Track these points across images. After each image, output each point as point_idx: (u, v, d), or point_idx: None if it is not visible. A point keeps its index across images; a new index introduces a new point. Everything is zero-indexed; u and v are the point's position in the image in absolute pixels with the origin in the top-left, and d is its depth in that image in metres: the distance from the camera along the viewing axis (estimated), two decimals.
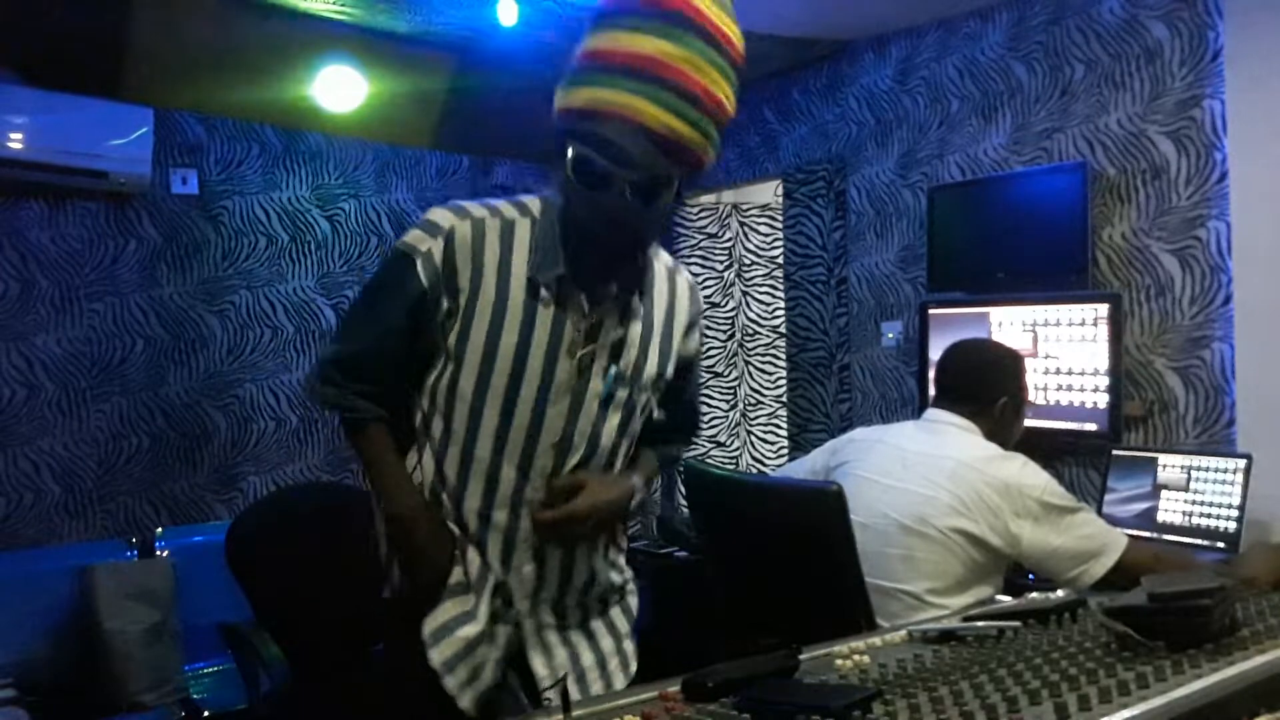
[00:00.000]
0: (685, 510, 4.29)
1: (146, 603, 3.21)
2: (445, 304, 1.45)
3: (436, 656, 1.46)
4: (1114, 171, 3.02)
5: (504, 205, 1.50)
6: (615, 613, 1.63)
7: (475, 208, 1.49)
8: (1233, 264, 2.73)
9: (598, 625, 1.59)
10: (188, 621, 3.28)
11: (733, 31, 1.36)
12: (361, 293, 1.58)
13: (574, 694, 1.48)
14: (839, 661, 1.19)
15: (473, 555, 1.48)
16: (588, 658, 1.55)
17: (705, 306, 1.68)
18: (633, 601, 1.68)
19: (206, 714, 3.15)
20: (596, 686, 1.54)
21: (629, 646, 1.64)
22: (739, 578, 2.36)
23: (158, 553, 3.46)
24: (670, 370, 1.59)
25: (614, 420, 1.51)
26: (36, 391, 3.50)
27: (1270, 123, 2.63)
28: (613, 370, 1.49)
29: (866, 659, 1.20)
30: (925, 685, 1.05)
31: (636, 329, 1.52)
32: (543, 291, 1.45)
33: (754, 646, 1.15)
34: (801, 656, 1.16)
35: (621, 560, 1.65)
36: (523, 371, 1.44)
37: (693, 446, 1.79)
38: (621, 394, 1.50)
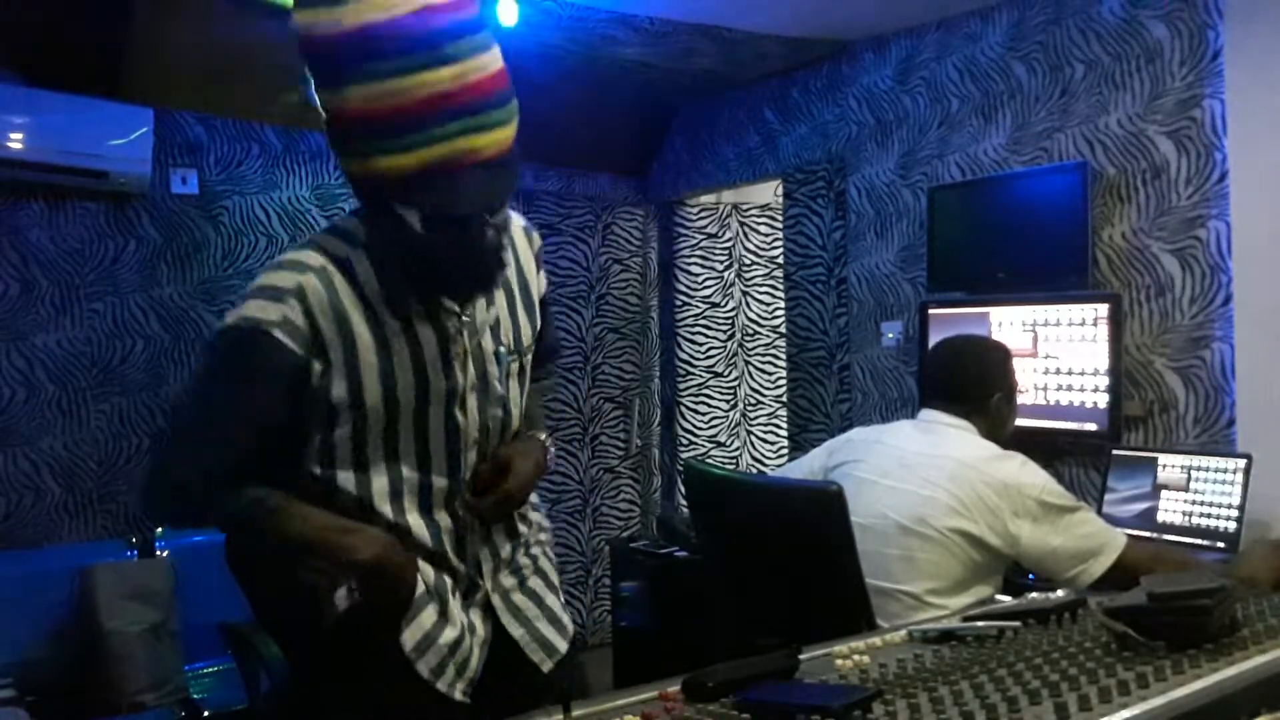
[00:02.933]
0: (685, 510, 4.29)
1: (146, 603, 3.21)
2: (318, 366, 1.35)
3: (424, 667, 1.45)
4: (1114, 171, 3.02)
5: (328, 240, 1.41)
6: (540, 557, 1.64)
7: (307, 255, 1.37)
8: (1233, 264, 2.73)
9: (544, 565, 1.64)
10: (188, 621, 3.27)
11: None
12: (208, 386, 1.42)
13: (554, 636, 1.58)
14: (839, 661, 1.19)
15: (424, 566, 1.46)
16: (550, 600, 1.61)
17: (542, 244, 1.69)
18: (547, 525, 1.70)
19: (206, 714, 3.15)
20: (567, 619, 1.62)
21: (557, 580, 1.68)
22: (739, 578, 2.36)
23: (158, 553, 3.46)
24: (538, 321, 1.60)
25: (515, 388, 1.54)
26: (36, 391, 3.50)
27: (1270, 123, 2.63)
28: (500, 350, 1.50)
29: (866, 659, 1.20)
30: (925, 685, 1.05)
31: (502, 300, 1.52)
32: (411, 313, 1.40)
33: (754, 646, 1.15)
34: (801, 656, 1.16)
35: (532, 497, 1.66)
36: (427, 394, 1.42)
37: (556, 373, 1.84)
38: (513, 366, 1.53)
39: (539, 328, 1.60)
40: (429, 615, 1.46)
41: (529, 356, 1.58)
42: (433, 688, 1.46)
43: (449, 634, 1.47)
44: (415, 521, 1.46)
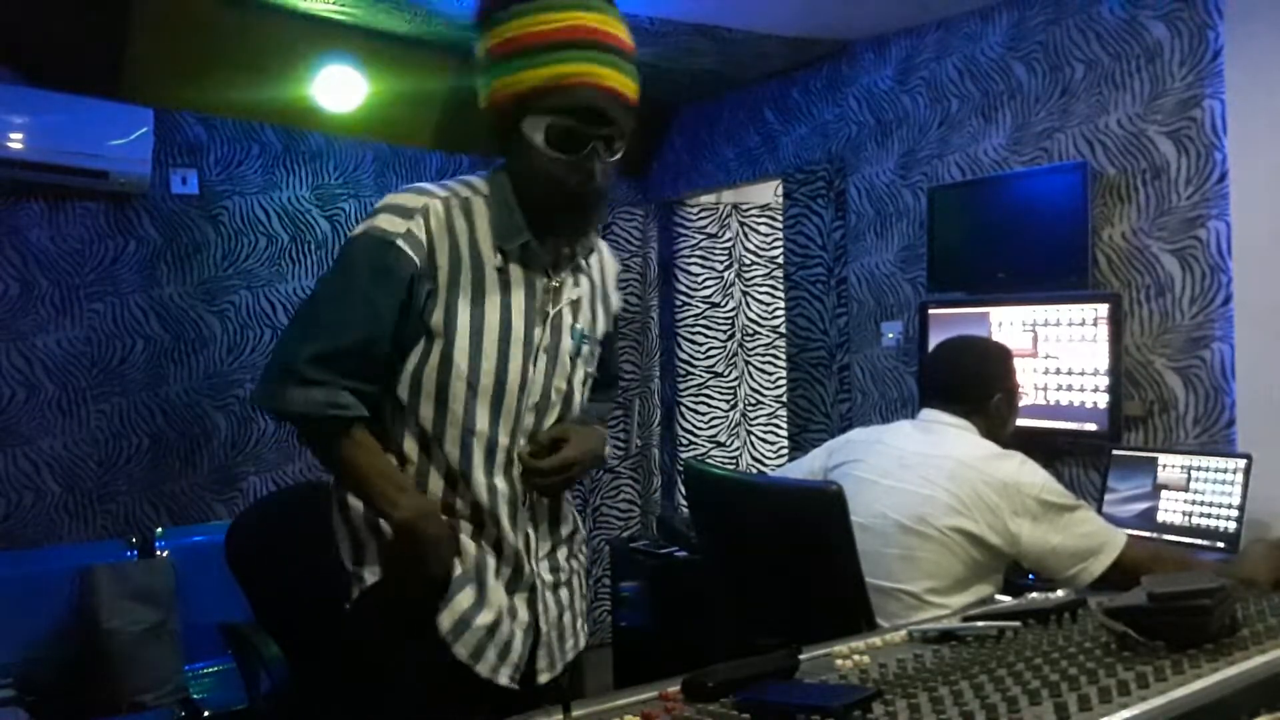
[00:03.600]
0: (685, 510, 4.29)
1: (146, 603, 3.21)
2: (428, 284, 1.46)
3: (463, 650, 1.47)
4: (1114, 171, 3.02)
5: (454, 184, 1.55)
6: (581, 571, 1.70)
7: (433, 188, 1.52)
8: (1233, 264, 2.73)
9: (575, 582, 1.67)
10: (188, 621, 3.28)
11: None
12: (330, 284, 1.51)
13: (558, 652, 1.58)
14: (839, 661, 1.19)
15: (467, 542, 1.49)
16: (567, 616, 1.62)
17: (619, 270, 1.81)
18: (584, 543, 1.75)
19: (206, 714, 3.15)
20: (570, 643, 1.63)
21: (582, 606, 1.71)
22: (739, 578, 2.36)
23: (158, 553, 3.46)
24: (610, 327, 1.71)
25: (581, 374, 1.61)
26: (36, 391, 3.50)
27: (1270, 123, 2.63)
28: (577, 327, 1.59)
29: (866, 659, 1.20)
30: (925, 685, 1.05)
31: (586, 288, 1.63)
32: (512, 259, 1.51)
33: (754, 646, 1.15)
34: (801, 656, 1.16)
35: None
36: (509, 337, 1.50)
37: (614, 405, 1.92)
38: (586, 349, 1.61)
39: (607, 338, 1.71)
40: (466, 596, 1.48)
41: (597, 350, 1.66)
42: (474, 672, 1.47)
43: (486, 617, 1.48)
44: (478, 478, 1.49)
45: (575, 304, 1.60)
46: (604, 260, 1.71)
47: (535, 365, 1.53)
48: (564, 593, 1.62)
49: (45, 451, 3.51)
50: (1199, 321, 2.83)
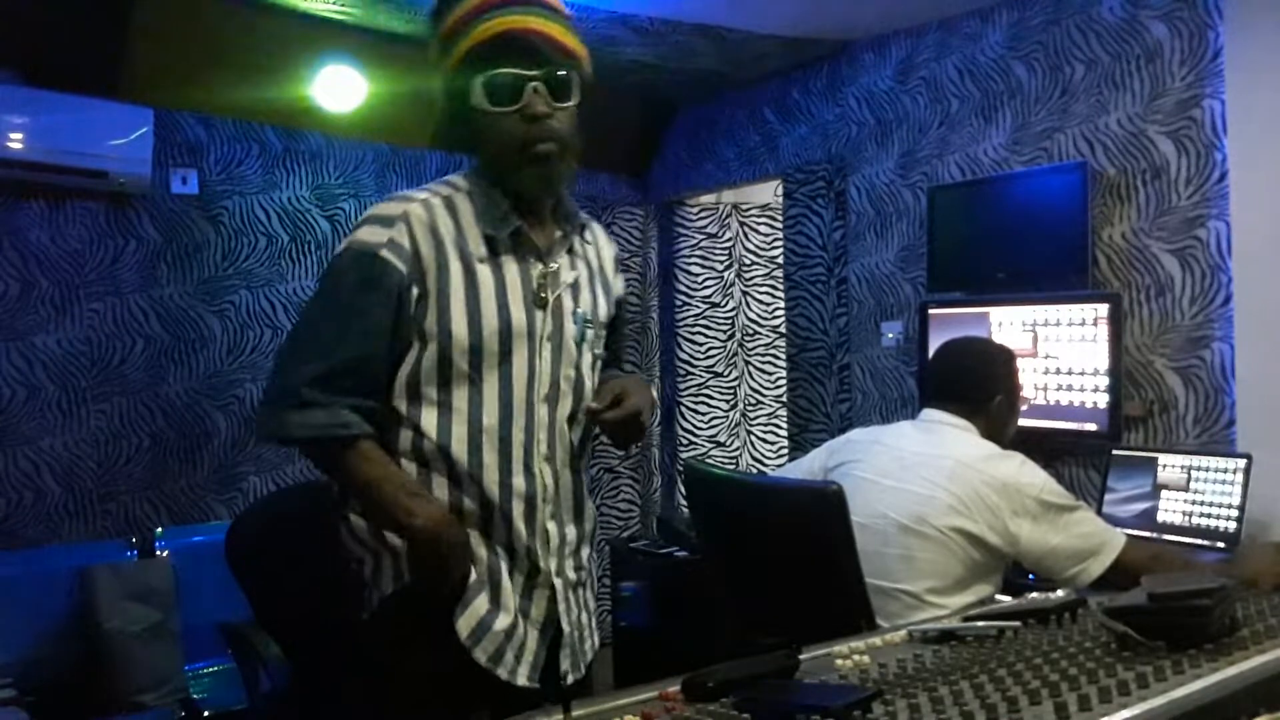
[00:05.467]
0: (685, 510, 4.29)
1: (146, 603, 3.21)
2: (416, 289, 1.46)
3: (481, 654, 1.46)
4: (1114, 171, 3.02)
5: (436, 185, 1.56)
6: (593, 563, 1.68)
7: (413, 192, 1.53)
8: (1233, 264, 2.73)
9: (591, 582, 1.66)
10: (188, 621, 3.27)
11: None
12: (319, 302, 1.50)
13: (582, 652, 1.58)
14: (839, 661, 1.19)
15: (476, 544, 1.47)
16: (584, 615, 1.61)
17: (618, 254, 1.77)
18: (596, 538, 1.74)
19: (206, 714, 3.15)
20: (588, 645, 1.61)
21: (595, 606, 1.70)
22: (739, 578, 2.36)
23: (158, 553, 3.46)
24: (613, 310, 1.69)
25: (588, 359, 1.59)
26: (36, 391, 3.50)
27: (1270, 123, 2.63)
28: (579, 311, 1.57)
29: (866, 659, 1.20)
30: (925, 685, 1.05)
31: (584, 271, 1.61)
32: (502, 248, 1.51)
33: (754, 646, 1.15)
34: (801, 656, 1.16)
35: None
36: (509, 330, 1.48)
37: None
38: (590, 334, 1.59)
39: (612, 321, 1.69)
40: (482, 603, 1.47)
41: (601, 333, 1.63)
42: (494, 675, 1.47)
43: (503, 621, 1.48)
44: (490, 479, 1.47)
45: (574, 287, 1.58)
46: (600, 243, 1.69)
47: (541, 356, 1.51)
48: (583, 592, 1.61)
49: (45, 451, 3.51)
50: (1199, 321, 2.83)
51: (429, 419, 1.47)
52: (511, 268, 1.51)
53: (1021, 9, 3.29)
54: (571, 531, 1.57)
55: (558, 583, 1.53)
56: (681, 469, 4.64)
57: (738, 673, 1.08)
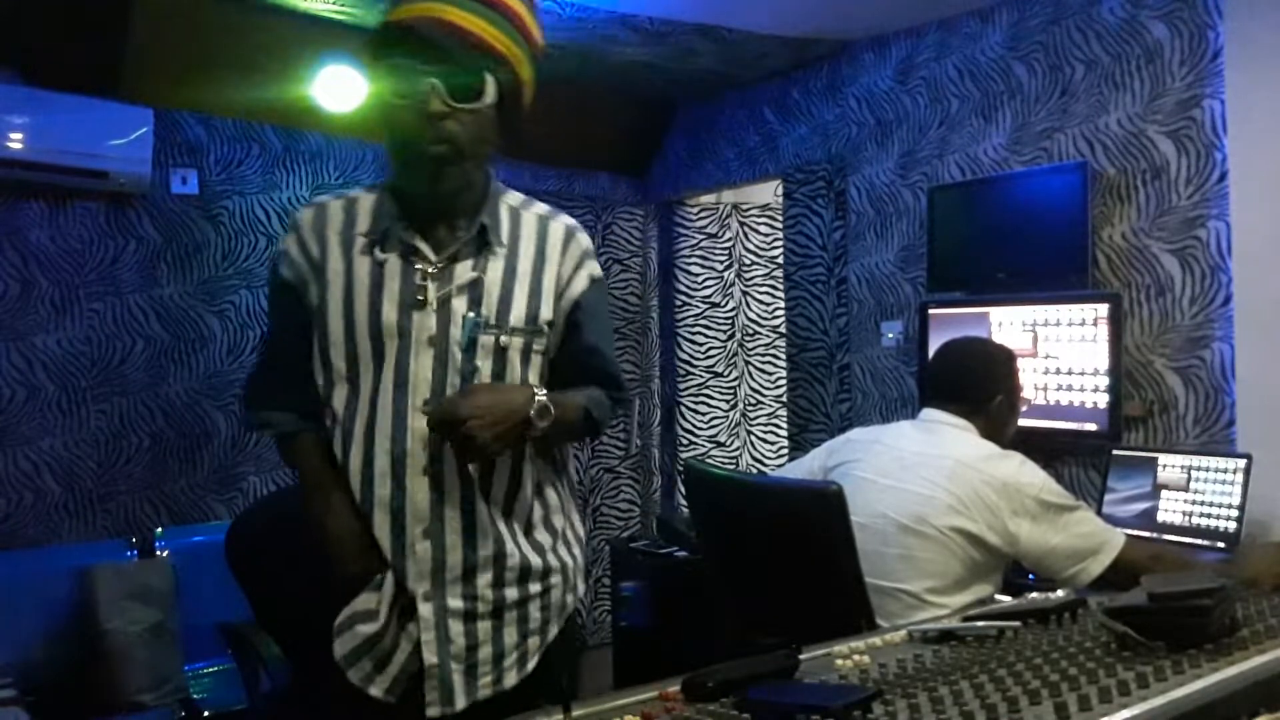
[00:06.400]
0: (685, 510, 4.29)
1: (146, 603, 3.21)
2: (305, 291, 1.49)
3: (339, 649, 1.46)
4: (1114, 171, 3.02)
5: (355, 190, 1.56)
6: (532, 605, 1.51)
7: (322, 198, 1.54)
8: (1233, 264, 2.73)
9: (509, 615, 1.49)
10: (188, 621, 3.27)
11: None
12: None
13: (460, 689, 1.43)
14: (839, 661, 1.19)
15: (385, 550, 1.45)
16: (485, 650, 1.46)
17: (590, 245, 1.59)
18: (557, 596, 1.55)
19: (206, 714, 3.15)
20: (485, 679, 1.46)
21: (533, 643, 1.52)
22: (739, 578, 2.36)
23: (158, 553, 3.46)
24: (549, 313, 1.51)
25: (485, 369, 1.45)
26: (36, 391, 3.50)
27: (1270, 123, 2.63)
28: (471, 315, 1.44)
29: (866, 659, 1.20)
30: (925, 685, 1.05)
31: (496, 270, 1.47)
32: (388, 246, 1.46)
33: (754, 646, 1.15)
34: (801, 656, 1.16)
35: (554, 545, 1.55)
36: (379, 331, 1.43)
37: (617, 416, 1.72)
38: (487, 340, 1.45)
39: (549, 321, 1.51)
40: (364, 601, 1.45)
41: (515, 339, 1.47)
42: (345, 676, 1.44)
43: (368, 627, 1.44)
44: (354, 484, 1.44)
45: (474, 287, 1.45)
46: (549, 242, 1.54)
47: (418, 359, 1.42)
48: (484, 625, 1.46)
49: (45, 451, 3.51)
50: (1199, 321, 2.83)
51: (326, 415, 1.50)
52: (394, 266, 1.45)
53: (1021, 9, 3.29)
54: (456, 556, 1.43)
55: (425, 609, 1.42)
56: (681, 469, 4.64)
57: (738, 673, 1.08)
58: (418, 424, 1.42)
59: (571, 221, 1.60)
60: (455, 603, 1.44)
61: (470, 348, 1.44)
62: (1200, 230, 2.82)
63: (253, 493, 3.88)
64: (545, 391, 1.46)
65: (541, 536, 1.55)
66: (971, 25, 3.45)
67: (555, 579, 1.55)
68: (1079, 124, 3.11)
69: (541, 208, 1.59)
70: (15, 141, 3.25)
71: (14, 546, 3.38)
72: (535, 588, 1.52)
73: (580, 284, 1.56)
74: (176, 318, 3.77)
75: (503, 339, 1.47)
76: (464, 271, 1.46)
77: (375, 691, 1.44)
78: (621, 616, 3.97)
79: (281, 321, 1.55)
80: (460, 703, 1.44)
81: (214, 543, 2.82)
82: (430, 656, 1.43)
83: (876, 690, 1.02)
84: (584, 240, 1.59)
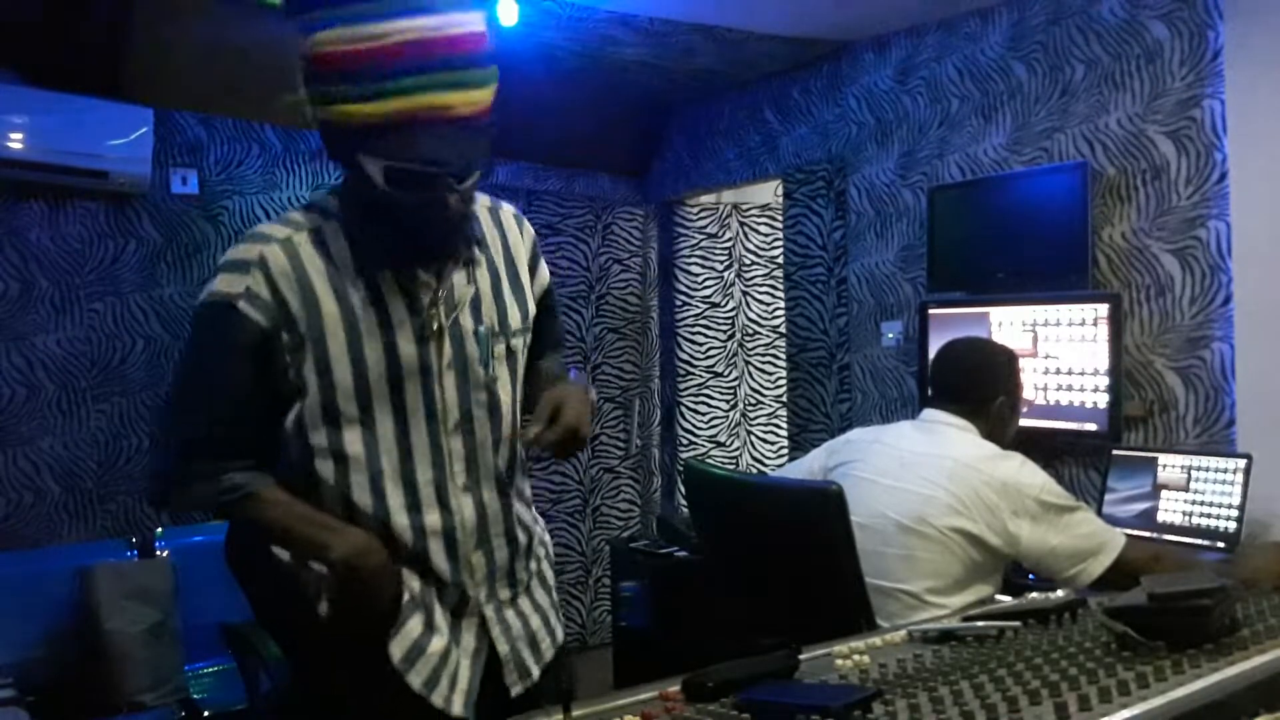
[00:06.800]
0: (685, 510, 4.29)
1: (146, 603, 3.21)
2: (285, 337, 1.34)
3: (416, 679, 1.39)
4: (1114, 171, 3.02)
5: (298, 216, 1.41)
6: (544, 565, 1.59)
7: (274, 229, 1.39)
8: (1233, 264, 2.73)
9: (534, 583, 1.56)
10: (188, 621, 3.27)
11: None
12: (185, 363, 1.44)
13: (532, 662, 1.50)
14: (839, 661, 1.19)
15: (408, 575, 1.40)
16: (534, 620, 1.54)
17: (536, 236, 1.59)
18: (546, 547, 1.62)
19: (206, 714, 3.15)
20: (545, 644, 1.54)
21: (554, 594, 1.62)
22: (739, 578, 2.36)
23: (158, 553, 3.46)
24: (531, 307, 1.54)
25: (504, 375, 1.47)
26: (36, 391, 3.50)
27: (1270, 123, 2.63)
28: (479, 329, 1.43)
29: (866, 659, 1.20)
30: (925, 685, 1.05)
31: (485, 280, 1.46)
32: (382, 284, 1.37)
33: (754, 646, 1.15)
34: (801, 656, 1.16)
35: (533, 509, 1.62)
36: (399, 368, 1.37)
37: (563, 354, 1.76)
38: (499, 347, 1.46)
39: (534, 316, 1.54)
40: (415, 624, 1.40)
41: (518, 340, 1.50)
42: (428, 702, 1.40)
43: (437, 644, 1.41)
44: (399, 521, 1.39)
45: (475, 301, 1.44)
46: (509, 237, 1.53)
47: (442, 388, 1.40)
48: (524, 603, 1.52)
49: (45, 451, 3.51)
50: (1199, 321, 2.83)
51: (324, 467, 1.38)
52: (396, 299, 1.37)
53: (1021, 9, 3.29)
54: (502, 554, 1.47)
55: (488, 609, 1.46)
56: (681, 469, 4.64)
57: (738, 673, 1.08)
58: (453, 446, 1.42)
59: (511, 207, 1.58)
60: (504, 593, 1.49)
61: (486, 361, 1.45)
62: (1200, 230, 2.82)
63: None
64: (587, 377, 1.50)
65: (532, 509, 1.61)
66: (971, 25, 3.45)
67: (545, 533, 1.64)
68: (1079, 124, 3.11)
69: (485, 199, 1.54)
70: (15, 141, 3.25)
71: (14, 546, 3.38)
72: (541, 550, 1.60)
73: (544, 272, 1.59)
74: (176, 318, 3.77)
75: (511, 343, 1.48)
76: (460, 285, 1.43)
77: (457, 710, 1.41)
78: (621, 616, 3.97)
79: (244, 375, 1.35)
80: (535, 673, 1.51)
81: (214, 543, 2.80)
82: (503, 648, 1.47)
83: (876, 690, 1.02)
84: (528, 226, 1.59)
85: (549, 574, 1.61)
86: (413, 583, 1.41)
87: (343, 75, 1.26)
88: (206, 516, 3.75)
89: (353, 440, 1.37)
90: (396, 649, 1.39)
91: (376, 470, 1.38)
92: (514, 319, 1.49)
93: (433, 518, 1.41)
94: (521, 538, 1.51)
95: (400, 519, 1.39)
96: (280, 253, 1.36)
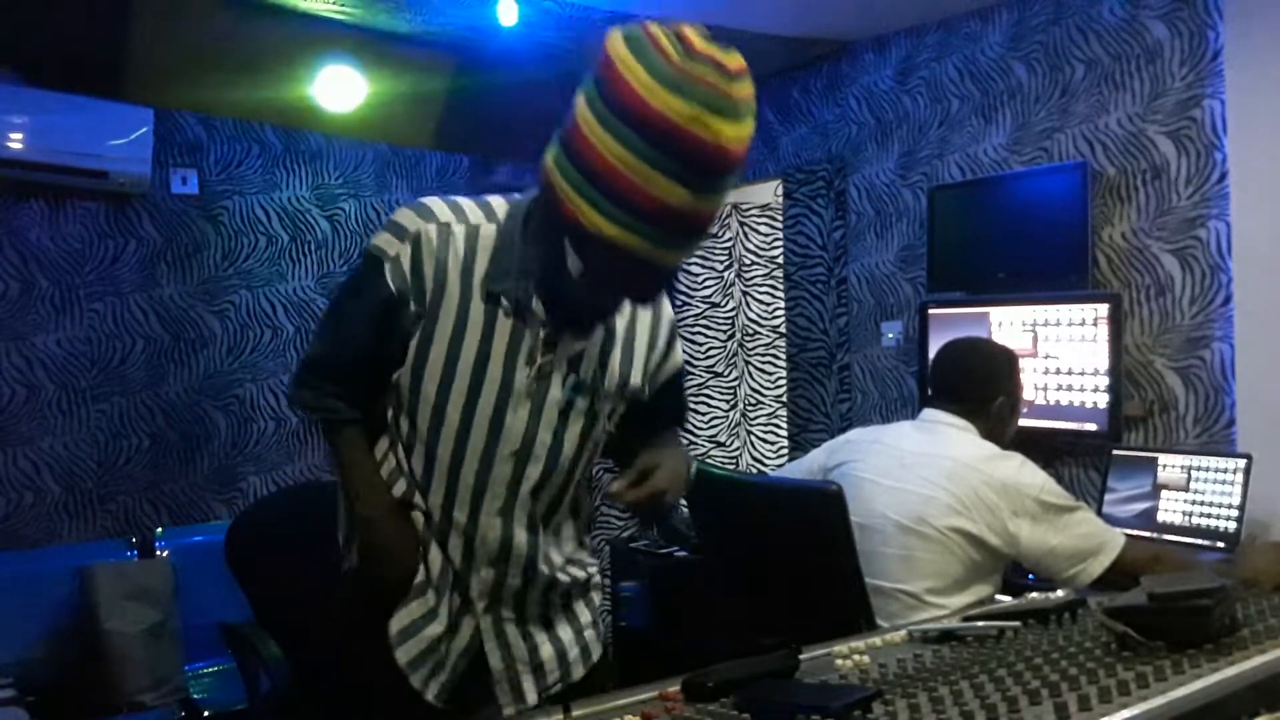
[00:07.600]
0: (685, 510, 4.29)
1: (146, 603, 3.21)
2: (413, 307, 1.43)
3: (402, 656, 1.48)
4: (1114, 171, 3.02)
5: (470, 207, 1.47)
6: (578, 605, 1.61)
7: (441, 209, 1.45)
8: (1233, 264, 2.73)
9: (557, 617, 1.57)
10: (188, 621, 3.27)
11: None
12: (335, 295, 1.58)
13: (529, 687, 1.51)
14: (839, 661, 1.19)
15: (435, 553, 1.49)
16: (546, 650, 1.54)
17: (674, 316, 1.63)
18: (595, 596, 1.65)
19: (206, 714, 3.15)
20: (553, 677, 1.54)
21: (590, 635, 1.61)
22: (739, 578, 2.36)
23: (158, 553, 3.46)
24: (639, 380, 1.55)
25: (575, 429, 1.49)
26: (36, 391, 3.50)
27: (1270, 123, 2.63)
28: (572, 379, 1.47)
29: (866, 659, 1.20)
30: (925, 685, 1.05)
31: (598, 338, 1.50)
32: (503, 301, 1.43)
33: (754, 646, 1.15)
34: (801, 656, 1.16)
35: (585, 555, 1.62)
36: (483, 377, 1.43)
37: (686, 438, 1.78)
38: (581, 403, 1.49)
39: (637, 388, 1.55)
40: (419, 605, 1.48)
41: (605, 406, 1.52)
42: (407, 681, 1.47)
43: (433, 629, 1.48)
44: (434, 502, 1.47)
45: (576, 356, 1.48)
46: (639, 312, 1.56)
47: (515, 411, 1.44)
48: (537, 631, 1.54)
49: (45, 451, 3.51)
50: (1199, 321, 2.83)
51: (404, 425, 1.48)
52: (506, 322, 1.43)
53: (1021, 9, 3.29)
54: (515, 582, 1.50)
55: (485, 620, 1.50)
56: None
57: (738, 673, 1.08)
58: (502, 469, 1.46)
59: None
60: (507, 613, 1.51)
61: (566, 409, 1.48)
62: (1200, 230, 2.82)
63: (253, 493, 3.88)
64: (689, 453, 1.53)
65: (578, 553, 1.61)
66: (972, 25, 3.45)
67: (595, 579, 1.65)
68: (1079, 124, 3.11)
69: None
70: (15, 141, 3.25)
71: (14, 546, 3.38)
72: (580, 592, 1.61)
73: (677, 355, 1.62)
74: (176, 318, 3.77)
75: (596, 405, 1.51)
76: (570, 342, 1.47)
77: (430, 696, 1.48)
78: (621, 616, 3.97)
79: (368, 325, 1.46)
80: (531, 699, 1.52)
81: (214, 543, 2.82)
82: (495, 663, 1.50)
83: (876, 690, 1.02)
84: (667, 304, 1.62)
85: (583, 614, 1.61)
86: (435, 558, 1.48)
87: (609, 191, 1.25)
88: (206, 515, 3.76)
89: (424, 417, 1.46)
90: (395, 624, 1.48)
91: (432, 452, 1.46)
92: (610, 382, 1.51)
93: (461, 516, 1.47)
94: (541, 583, 1.52)
95: (435, 499, 1.47)
96: (434, 235, 1.44)
